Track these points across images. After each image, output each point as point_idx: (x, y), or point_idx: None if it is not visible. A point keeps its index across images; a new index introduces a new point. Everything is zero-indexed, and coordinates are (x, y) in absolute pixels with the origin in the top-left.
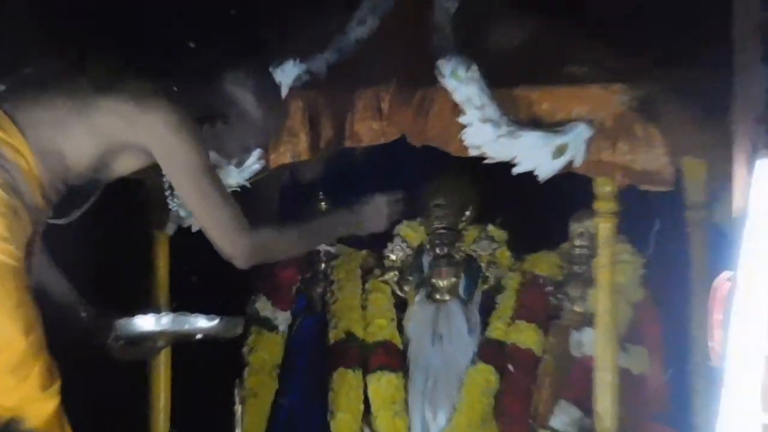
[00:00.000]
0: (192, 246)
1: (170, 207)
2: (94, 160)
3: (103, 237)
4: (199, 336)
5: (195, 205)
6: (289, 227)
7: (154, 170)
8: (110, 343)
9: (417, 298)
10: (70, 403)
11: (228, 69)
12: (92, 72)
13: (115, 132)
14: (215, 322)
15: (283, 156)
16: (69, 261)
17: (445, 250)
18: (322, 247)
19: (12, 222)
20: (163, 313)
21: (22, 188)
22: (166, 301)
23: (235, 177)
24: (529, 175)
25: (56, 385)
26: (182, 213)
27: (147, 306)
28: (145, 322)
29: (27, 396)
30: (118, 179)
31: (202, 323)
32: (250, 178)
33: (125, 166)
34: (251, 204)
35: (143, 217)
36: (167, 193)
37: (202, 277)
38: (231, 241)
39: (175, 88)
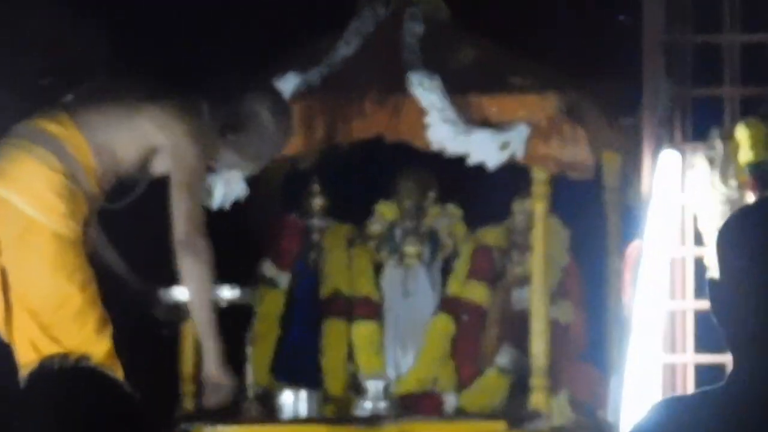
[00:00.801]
0: (214, 223)
1: None
2: (137, 158)
3: (145, 218)
4: (223, 304)
5: (177, 195)
6: (203, 288)
7: None
8: (152, 307)
9: (390, 263)
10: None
11: (251, 88)
12: (139, 86)
13: (150, 134)
14: (236, 291)
15: (286, 149)
16: (119, 239)
17: (413, 224)
18: (316, 221)
19: (71, 203)
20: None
21: (80, 177)
22: None
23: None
24: (480, 166)
25: (108, 331)
26: (203, 195)
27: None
28: (181, 293)
29: (86, 339)
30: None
31: (225, 293)
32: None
33: (161, 166)
34: (258, 188)
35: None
36: None
37: (219, 245)
38: (186, 228)
39: (205, 104)
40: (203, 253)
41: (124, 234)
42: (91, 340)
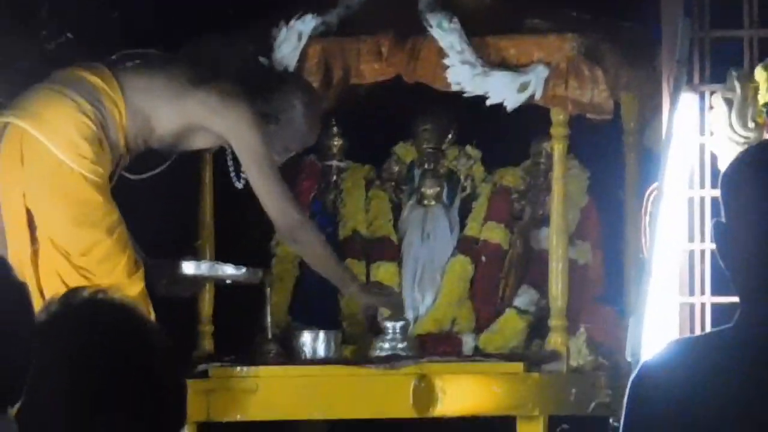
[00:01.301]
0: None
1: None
2: (174, 132)
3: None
4: (228, 281)
5: (257, 183)
6: (329, 249)
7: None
8: (153, 280)
9: (409, 204)
10: None
11: (287, 82)
12: (191, 67)
13: (199, 118)
14: (241, 271)
15: None
16: (134, 211)
17: (432, 165)
18: (334, 163)
19: (99, 150)
20: (202, 261)
21: (111, 132)
22: (211, 204)
23: None
24: (499, 106)
25: (140, 272)
26: None
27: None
28: (188, 267)
29: (117, 281)
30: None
31: (230, 271)
32: None
33: (198, 143)
34: None
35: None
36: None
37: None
38: (282, 211)
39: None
40: (306, 234)
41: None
42: (122, 282)
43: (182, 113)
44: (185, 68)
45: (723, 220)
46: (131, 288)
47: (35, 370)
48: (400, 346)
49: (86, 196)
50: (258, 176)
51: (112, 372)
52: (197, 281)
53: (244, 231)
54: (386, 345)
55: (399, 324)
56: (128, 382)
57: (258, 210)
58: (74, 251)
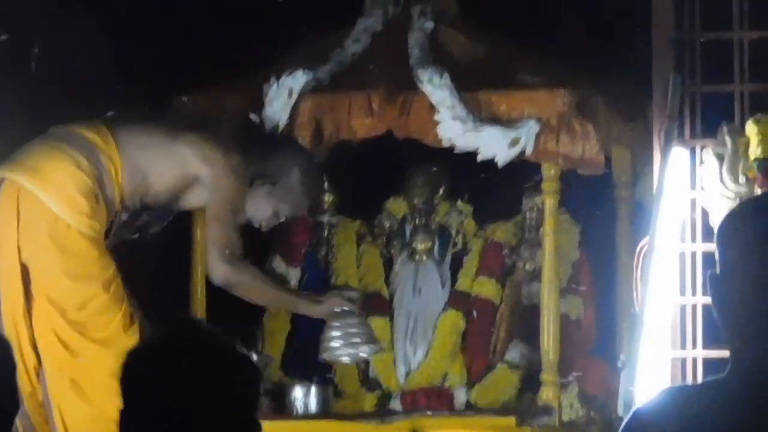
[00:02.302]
0: None
1: None
2: (170, 187)
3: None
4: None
5: (210, 223)
6: (270, 284)
7: None
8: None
9: (400, 259)
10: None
11: (285, 146)
12: (178, 119)
13: (190, 163)
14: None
15: None
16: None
17: (423, 220)
18: (326, 218)
19: (95, 205)
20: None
21: (108, 188)
22: (203, 261)
23: None
24: (490, 162)
25: (135, 326)
26: None
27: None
28: None
29: (112, 335)
30: None
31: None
32: None
33: (192, 200)
34: None
35: None
36: None
37: None
38: (214, 262)
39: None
40: (238, 281)
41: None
42: (117, 336)
43: (175, 162)
44: (179, 120)
45: (717, 271)
46: (127, 341)
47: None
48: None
49: (82, 251)
50: (214, 217)
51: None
52: None
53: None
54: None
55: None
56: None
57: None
58: (70, 306)
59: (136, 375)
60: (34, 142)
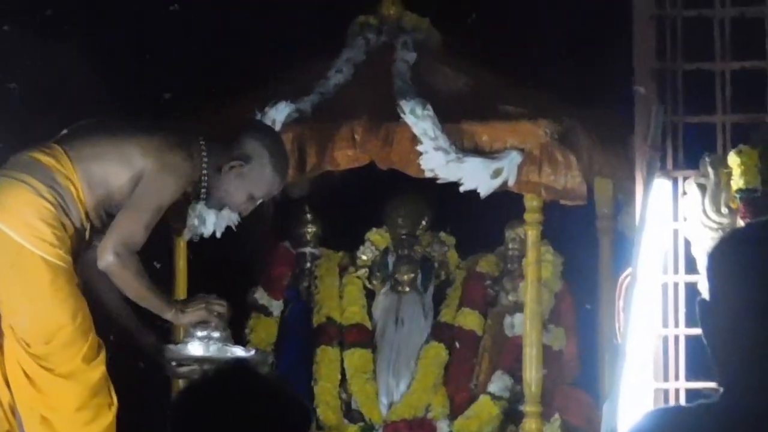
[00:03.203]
0: (206, 249)
1: (188, 219)
2: (127, 190)
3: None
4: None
5: (126, 209)
6: (145, 285)
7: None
8: (162, 362)
9: (383, 290)
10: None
11: (253, 129)
12: (132, 121)
13: (136, 159)
14: (251, 353)
15: None
16: None
17: (406, 251)
18: (308, 250)
19: (60, 232)
20: (210, 342)
21: (71, 209)
22: (184, 290)
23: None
24: (473, 193)
25: (101, 357)
26: (196, 223)
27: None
28: (195, 349)
29: (77, 368)
30: None
31: (240, 353)
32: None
33: None
34: (250, 216)
35: (166, 226)
36: (191, 207)
37: (213, 273)
38: (105, 247)
39: (202, 141)
40: (132, 267)
41: None
42: (82, 368)
43: (125, 163)
44: (129, 121)
45: (707, 299)
46: (92, 374)
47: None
48: (215, 335)
49: (47, 280)
50: (131, 205)
51: None
52: (205, 362)
53: (221, 278)
54: (201, 333)
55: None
56: None
57: (234, 299)
58: (35, 339)
59: (186, 414)
60: None
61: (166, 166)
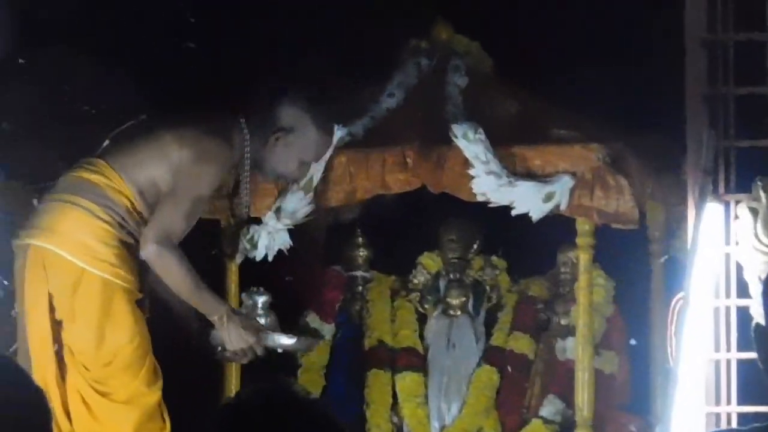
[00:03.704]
0: (259, 272)
1: (240, 242)
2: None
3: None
4: (280, 350)
5: (164, 200)
6: (192, 277)
7: (225, 211)
8: (211, 348)
9: (435, 314)
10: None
11: (294, 97)
12: (168, 121)
13: (170, 149)
14: (293, 341)
15: (329, 201)
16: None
17: (457, 275)
18: (360, 273)
19: (120, 251)
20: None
21: (129, 222)
22: None
23: (291, 217)
24: (525, 216)
25: (159, 383)
26: (248, 246)
27: None
28: None
29: (137, 391)
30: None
31: (283, 341)
32: (304, 217)
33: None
34: (303, 237)
35: (219, 249)
36: (242, 231)
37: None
38: (147, 237)
39: (242, 119)
40: (174, 257)
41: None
42: (141, 392)
43: (167, 160)
44: (165, 117)
45: (763, 323)
46: (150, 398)
47: None
48: (261, 321)
49: (110, 301)
50: (170, 197)
51: None
52: (251, 350)
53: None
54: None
55: (262, 298)
56: None
57: (286, 322)
58: (93, 364)
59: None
60: (45, 200)
61: (201, 155)
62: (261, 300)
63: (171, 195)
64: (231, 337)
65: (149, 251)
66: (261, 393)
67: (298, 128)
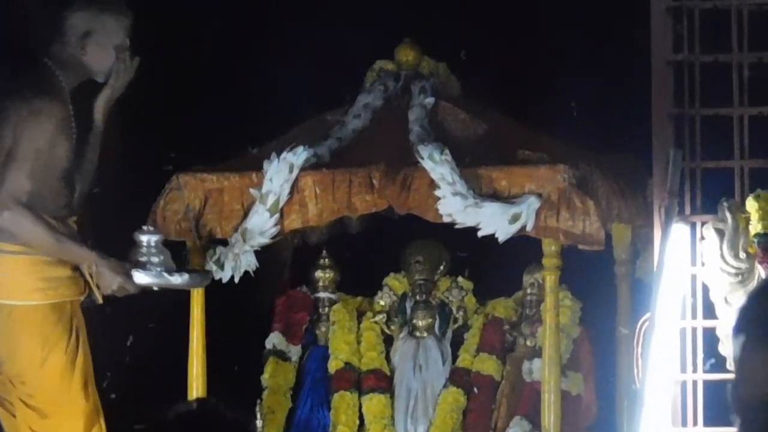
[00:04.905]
0: (224, 295)
1: (206, 264)
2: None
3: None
4: (173, 288)
5: (5, 167)
6: (52, 232)
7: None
8: (109, 287)
9: (401, 335)
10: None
11: (64, 6)
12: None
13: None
14: (185, 278)
15: (295, 222)
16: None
17: (424, 297)
18: (326, 294)
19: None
20: (151, 271)
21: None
22: (201, 337)
23: (257, 239)
24: (491, 237)
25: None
26: (214, 268)
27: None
28: (139, 278)
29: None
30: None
31: (175, 279)
32: (271, 239)
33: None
34: (270, 259)
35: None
36: (209, 253)
37: (230, 319)
38: (13, 184)
39: (46, 60)
40: (26, 215)
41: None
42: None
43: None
44: None
45: (745, 340)
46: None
47: None
48: (154, 260)
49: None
50: (11, 160)
51: None
52: (146, 288)
53: (235, 364)
54: (141, 258)
55: (153, 237)
56: None
57: (252, 343)
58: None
59: None
60: None
61: (23, 115)
62: (153, 239)
63: (11, 159)
64: (103, 281)
65: (3, 218)
66: (179, 413)
67: (95, 26)
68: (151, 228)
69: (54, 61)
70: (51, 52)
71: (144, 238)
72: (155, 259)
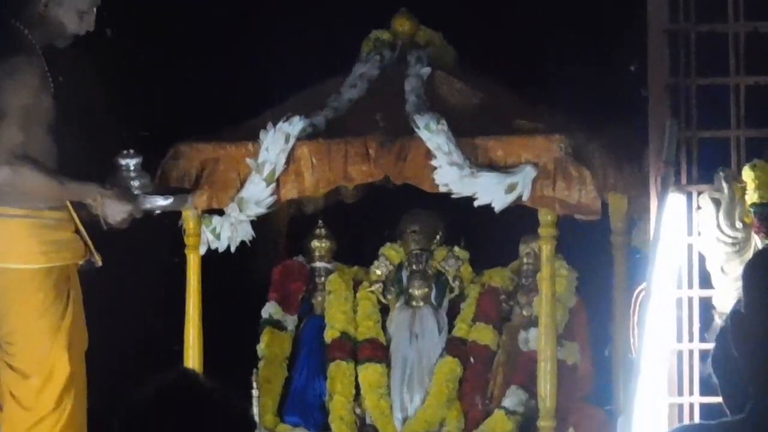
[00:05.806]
0: (220, 264)
1: (203, 234)
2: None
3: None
4: (158, 210)
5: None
6: (54, 177)
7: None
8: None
9: (397, 305)
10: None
11: None
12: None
13: None
14: (170, 200)
15: (291, 192)
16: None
17: (420, 266)
18: (322, 264)
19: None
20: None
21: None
22: (198, 307)
23: (253, 208)
24: (487, 207)
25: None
26: (211, 237)
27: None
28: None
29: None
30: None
31: (159, 201)
32: (267, 209)
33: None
34: (266, 228)
35: (179, 242)
36: (205, 223)
37: (226, 288)
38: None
39: (14, 21)
40: (26, 166)
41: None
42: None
43: None
44: None
45: (741, 310)
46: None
47: None
48: (135, 183)
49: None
50: (5, 117)
51: None
52: (131, 216)
53: (232, 333)
54: (124, 182)
55: (134, 161)
56: None
57: (248, 313)
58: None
59: (129, 429)
60: None
61: (3, 74)
62: (134, 162)
63: (1, 118)
64: (110, 211)
65: (6, 174)
66: (156, 385)
67: None
68: (131, 151)
69: (21, 23)
70: (18, 14)
71: (124, 162)
72: (137, 183)
